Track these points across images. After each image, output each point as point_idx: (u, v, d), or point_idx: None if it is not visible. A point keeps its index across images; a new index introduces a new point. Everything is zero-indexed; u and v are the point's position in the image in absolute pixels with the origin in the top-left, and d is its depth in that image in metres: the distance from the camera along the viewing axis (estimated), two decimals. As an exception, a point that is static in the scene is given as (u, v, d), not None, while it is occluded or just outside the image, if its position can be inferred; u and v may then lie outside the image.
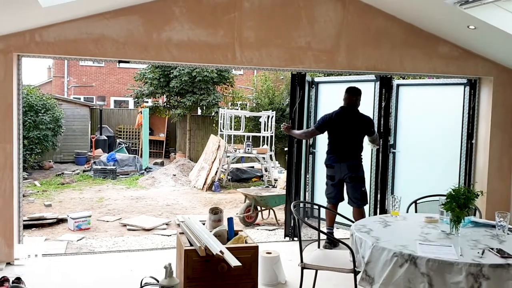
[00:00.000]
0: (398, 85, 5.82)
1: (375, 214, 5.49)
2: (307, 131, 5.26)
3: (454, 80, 5.49)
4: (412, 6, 4.65)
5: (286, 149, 6.13)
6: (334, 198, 5.04)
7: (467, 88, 5.41)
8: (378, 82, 5.40)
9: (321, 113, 5.66)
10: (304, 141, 5.66)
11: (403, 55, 4.98)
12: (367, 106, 5.37)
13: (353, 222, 3.54)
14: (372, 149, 5.44)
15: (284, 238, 5.52)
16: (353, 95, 4.93)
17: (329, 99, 5.87)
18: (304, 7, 4.69)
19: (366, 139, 5.06)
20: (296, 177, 5.46)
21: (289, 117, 5.39)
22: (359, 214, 4.87)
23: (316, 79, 6.22)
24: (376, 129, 5.15)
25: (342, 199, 5.06)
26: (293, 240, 5.42)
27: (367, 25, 4.86)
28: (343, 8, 4.79)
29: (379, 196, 5.59)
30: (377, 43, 4.90)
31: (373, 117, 5.35)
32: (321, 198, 5.91)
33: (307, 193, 6.27)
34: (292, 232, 5.44)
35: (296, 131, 5.21)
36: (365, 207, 5.05)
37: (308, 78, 5.84)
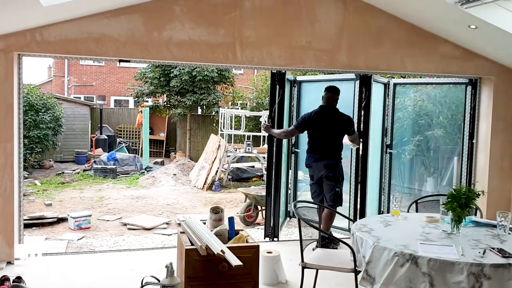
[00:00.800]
0: (395, 84, 5.80)
1: (354, 215, 5.33)
2: (287, 130, 5.20)
3: (456, 80, 5.48)
4: (413, 5, 4.64)
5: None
6: (317, 198, 4.97)
7: (469, 88, 5.40)
8: (358, 81, 5.29)
9: (304, 112, 5.61)
10: (284, 140, 5.60)
11: (404, 54, 4.98)
12: (347, 105, 5.27)
13: (352, 220, 3.54)
14: (352, 149, 5.32)
15: (264, 238, 5.42)
16: (333, 93, 4.89)
17: (312, 97, 5.77)
18: (305, 6, 4.69)
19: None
20: (276, 177, 5.35)
21: (269, 116, 5.29)
22: (327, 217, 4.73)
23: (299, 78, 6.15)
24: (356, 128, 5.06)
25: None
26: (273, 240, 5.35)
27: (368, 24, 4.86)
28: (344, 7, 4.78)
29: (358, 198, 5.41)
30: (378, 43, 4.90)
31: (353, 116, 5.24)
32: (303, 197, 5.91)
33: (289, 193, 6.19)
34: (272, 232, 5.37)
35: (276, 130, 5.14)
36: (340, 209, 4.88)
37: (290, 77, 5.80)
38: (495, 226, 3.14)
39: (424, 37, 5.00)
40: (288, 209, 6.21)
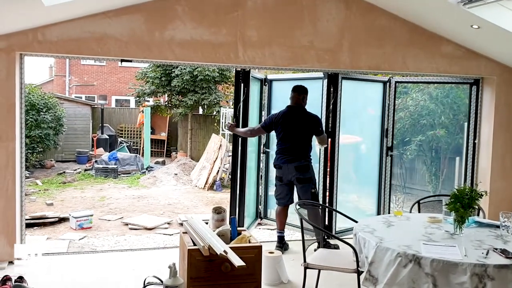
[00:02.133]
0: (396, 82, 5.73)
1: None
2: (252, 128, 5.08)
3: (461, 79, 5.45)
4: (415, 5, 4.64)
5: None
6: (283, 199, 4.87)
7: (474, 88, 5.38)
8: (326, 80, 5.22)
9: (275, 111, 5.53)
10: (254, 140, 5.52)
11: (406, 54, 4.97)
12: (315, 104, 5.22)
13: (356, 221, 3.52)
14: (320, 150, 5.26)
15: None
16: (299, 93, 4.82)
17: (282, 96, 5.67)
18: (307, 6, 4.68)
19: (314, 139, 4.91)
20: (241, 178, 5.22)
21: (234, 115, 5.18)
22: (314, 216, 4.63)
23: (269, 77, 6.07)
24: (324, 128, 4.98)
25: (292, 201, 4.88)
26: None
27: (370, 24, 4.85)
28: (346, 7, 4.78)
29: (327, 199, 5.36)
30: (380, 43, 4.89)
31: (321, 115, 5.19)
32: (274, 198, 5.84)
33: (260, 193, 6.09)
34: None
35: (240, 129, 5.02)
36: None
37: (260, 75, 5.73)
38: (498, 226, 3.13)
39: (426, 37, 4.99)
40: (259, 211, 6.10)
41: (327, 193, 5.35)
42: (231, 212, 5.27)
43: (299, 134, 4.75)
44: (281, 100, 5.68)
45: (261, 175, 6.10)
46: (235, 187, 5.26)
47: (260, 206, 6.15)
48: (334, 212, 5.30)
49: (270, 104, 6.02)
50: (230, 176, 10.68)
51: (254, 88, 5.70)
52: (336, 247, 4.73)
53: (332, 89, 5.26)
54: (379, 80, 5.71)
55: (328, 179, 5.35)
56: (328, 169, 5.34)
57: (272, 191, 6.05)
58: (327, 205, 5.29)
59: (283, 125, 4.79)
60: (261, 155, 6.09)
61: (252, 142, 5.79)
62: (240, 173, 5.24)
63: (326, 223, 5.39)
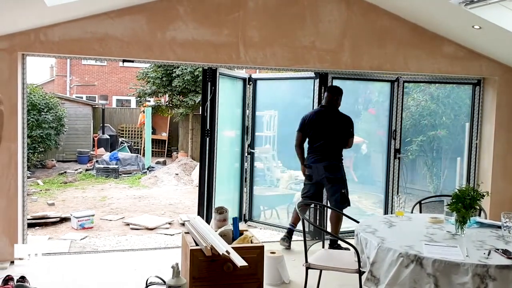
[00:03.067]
0: (404, 82, 5.67)
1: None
2: (296, 141, 4.94)
3: (461, 80, 5.44)
4: (416, 6, 4.64)
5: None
6: (308, 198, 4.83)
7: (478, 88, 5.37)
8: (318, 80, 5.18)
9: (258, 111, 5.47)
10: (236, 140, 5.45)
11: (408, 55, 4.97)
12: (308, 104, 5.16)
13: (357, 222, 3.53)
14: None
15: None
16: (333, 94, 4.82)
17: (267, 96, 5.60)
18: (308, 6, 4.68)
19: None
20: (209, 179, 5.14)
21: (201, 115, 5.14)
22: (335, 218, 4.66)
23: (254, 76, 5.95)
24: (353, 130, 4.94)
25: (319, 201, 4.88)
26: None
27: (372, 25, 4.85)
28: (347, 7, 4.78)
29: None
30: (382, 43, 4.89)
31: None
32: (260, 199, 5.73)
33: (244, 192, 5.96)
34: None
35: (298, 152, 4.92)
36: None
37: (242, 74, 5.66)
38: (499, 227, 3.13)
39: (428, 38, 5.00)
40: (243, 213, 6.01)
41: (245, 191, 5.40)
42: (199, 213, 5.18)
43: (330, 134, 4.75)
44: (266, 100, 5.59)
45: (246, 177, 5.96)
46: (202, 189, 5.15)
47: (243, 208, 5.99)
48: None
49: (255, 104, 5.87)
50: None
51: (236, 87, 5.63)
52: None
53: (323, 89, 5.19)
54: (386, 79, 5.50)
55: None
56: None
57: (257, 191, 6.07)
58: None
59: (314, 124, 4.79)
60: (245, 156, 5.94)
61: (234, 142, 5.70)
62: (208, 173, 5.11)
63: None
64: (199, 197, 5.25)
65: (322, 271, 3.51)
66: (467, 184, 5.27)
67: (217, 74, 5.10)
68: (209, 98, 5.08)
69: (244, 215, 6.06)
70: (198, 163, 11.55)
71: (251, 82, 5.90)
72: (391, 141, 5.46)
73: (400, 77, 5.38)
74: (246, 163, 5.95)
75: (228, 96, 5.61)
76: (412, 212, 3.90)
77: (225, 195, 5.74)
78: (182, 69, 13.09)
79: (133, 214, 7.46)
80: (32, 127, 11.18)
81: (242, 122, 5.66)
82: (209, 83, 5.10)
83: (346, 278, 3.44)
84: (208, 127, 5.19)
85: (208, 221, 5.05)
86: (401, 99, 5.46)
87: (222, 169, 5.50)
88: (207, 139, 5.18)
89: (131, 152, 13.79)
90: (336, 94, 4.84)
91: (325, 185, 4.78)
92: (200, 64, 4.70)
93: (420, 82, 5.74)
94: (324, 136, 4.76)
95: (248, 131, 5.96)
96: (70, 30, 4.19)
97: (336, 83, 5.12)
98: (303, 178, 4.98)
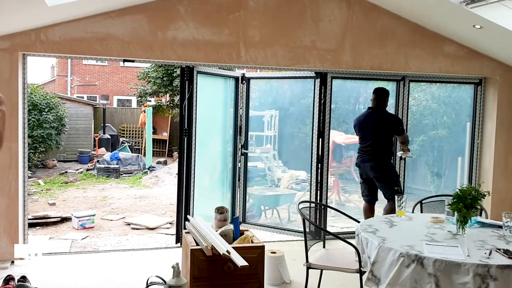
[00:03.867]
0: (409, 81, 5.61)
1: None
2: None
3: (464, 79, 5.42)
4: (417, 5, 4.63)
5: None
6: (367, 196, 5.00)
7: (480, 88, 5.36)
8: (319, 79, 5.12)
9: (256, 110, 5.34)
10: (229, 140, 5.40)
11: (408, 54, 4.97)
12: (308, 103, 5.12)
13: (358, 221, 3.53)
14: (401, 158, 5.21)
15: (176, 243, 5.15)
16: (379, 95, 4.89)
17: (262, 95, 5.45)
18: (309, 6, 4.68)
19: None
20: (187, 180, 5.03)
21: (180, 114, 5.03)
22: (388, 212, 4.76)
23: (247, 74, 5.72)
24: (404, 128, 4.98)
25: (376, 198, 5.00)
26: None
27: (372, 24, 4.85)
28: (348, 7, 4.78)
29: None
30: (382, 43, 4.89)
31: (313, 115, 5.13)
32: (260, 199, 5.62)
33: (237, 194, 5.78)
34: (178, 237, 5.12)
35: None
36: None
37: (235, 73, 5.60)
38: (500, 227, 3.12)
39: (429, 37, 4.99)
40: (236, 215, 5.80)
41: (318, 193, 5.28)
42: (178, 215, 5.10)
43: (376, 134, 4.85)
44: (269, 99, 5.51)
45: (239, 177, 5.77)
46: (181, 189, 5.06)
47: (236, 210, 5.82)
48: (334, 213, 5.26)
49: (248, 103, 5.70)
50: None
51: (227, 86, 5.51)
52: None
53: (323, 89, 5.15)
54: (391, 78, 5.41)
55: (318, 178, 5.24)
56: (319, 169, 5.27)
57: (257, 191, 6.03)
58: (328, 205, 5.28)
59: (362, 125, 4.94)
60: (239, 156, 5.75)
61: (226, 142, 5.62)
62: (187, 173, 5.02)
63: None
64: (177, 198, 5.11)
65: (323, 271, 3.51)
66: (468, 184, 5.27)
67: (195, 72, 4.95)
68: (187, 96, 4.94)
69: (238, 216, 5.95)
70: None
71: (244, 81, 5.68)
72: (397, 143, 5.38)
73: (406, 76, 5.34)
74: (239, 163, 5.73)
75: (217, 95, 5.47)
76: (413, 212, 3.89)
77: (217, 196, 5.62)
78: (183, 69, 13.10)
79: (134, 214, 7.46)
80: (33, 127, 11.19)
81: (234, 122, 5.50)
82: (186, 82, 4.94)
83: (346, 278, 3.44)
84: (186, 127, 5.00)
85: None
86: (407, 98, 5.42)
87: (213, 169, 5.37)
88: (185, 138, 5.01)
89: (132, 152, 13.80)
90: (382, 96, 4.90)
91: (376, 183, 4.93)
92: (200, 64, 4.69)
93: (425, 81, 5.68)
94: (370, 137, 4.88)
95: (241, 131, 5.73)
96: (71, 30, 4.19)
97: (339, 82, 5.13)
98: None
